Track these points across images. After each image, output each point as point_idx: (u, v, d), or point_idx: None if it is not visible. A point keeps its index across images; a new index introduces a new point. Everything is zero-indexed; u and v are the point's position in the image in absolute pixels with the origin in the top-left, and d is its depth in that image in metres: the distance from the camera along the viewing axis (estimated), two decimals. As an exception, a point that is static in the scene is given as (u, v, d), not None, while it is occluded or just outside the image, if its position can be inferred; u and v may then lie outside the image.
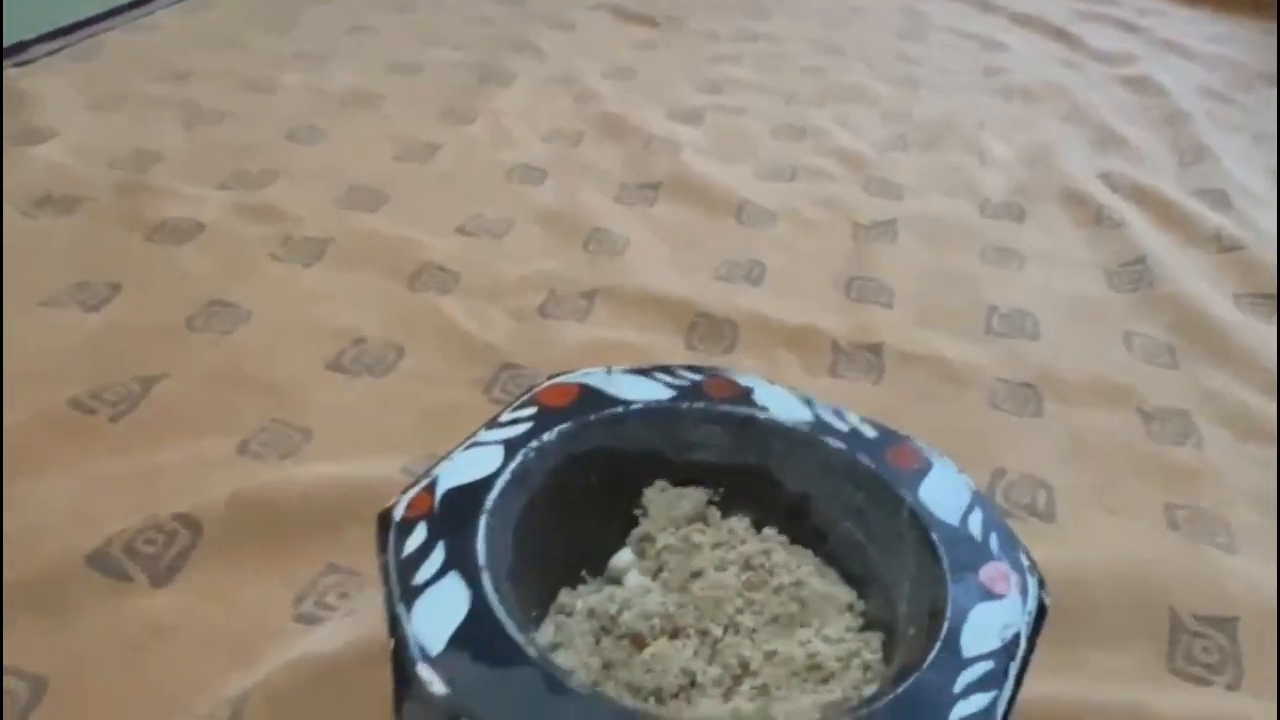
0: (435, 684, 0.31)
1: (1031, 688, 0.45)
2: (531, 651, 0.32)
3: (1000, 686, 0.33)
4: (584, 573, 0.42)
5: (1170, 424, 0.64)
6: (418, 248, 0.74)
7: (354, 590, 0.48)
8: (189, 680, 0.43)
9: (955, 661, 0.34)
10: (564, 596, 0.41)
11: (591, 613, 0.39)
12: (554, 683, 0.31)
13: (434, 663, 0.32)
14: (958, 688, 0.33)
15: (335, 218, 0.77)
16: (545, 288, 0.71)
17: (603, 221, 0.80)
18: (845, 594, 0.40)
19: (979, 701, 0.32)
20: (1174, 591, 0.51)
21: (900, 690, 0.32)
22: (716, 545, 0.41)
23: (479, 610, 0.33)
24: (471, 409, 0.58)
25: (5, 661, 0.42)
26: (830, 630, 0.38)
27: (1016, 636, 0.35)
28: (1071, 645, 0.49)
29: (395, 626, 0.33)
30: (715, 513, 0.43)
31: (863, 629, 0.39)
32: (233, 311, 0.66)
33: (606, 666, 0.37)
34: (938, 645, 0.34)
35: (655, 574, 0.41)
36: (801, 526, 0.43)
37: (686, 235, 0.79)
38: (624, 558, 0.42)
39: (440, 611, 0.33)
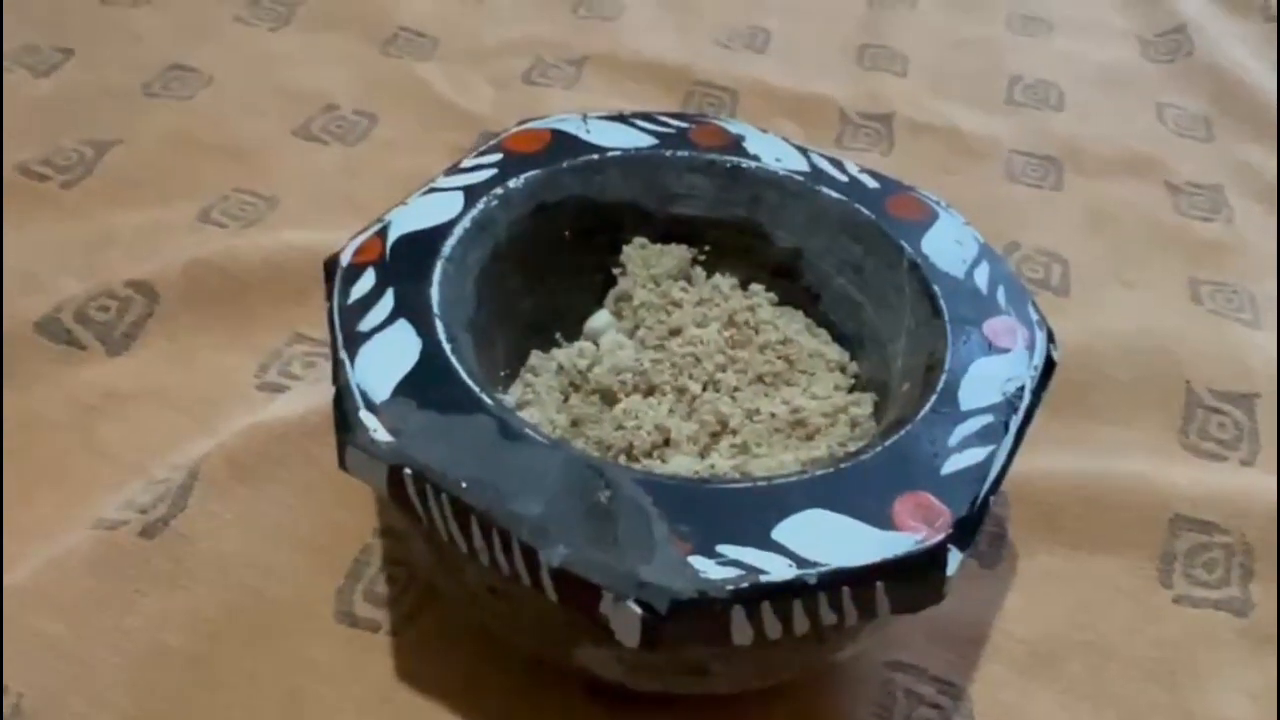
0: (378, 431, 0.28)
1: (1035, 460, 0.43)
2: (486, 399, 0.29)
3: (999, 441, 0.30)
4: (559, 335, 0.39)
5: (1200, 198, 0.60)
6: (392, 10, 0.68)
7: (321, 360, 0.45)
8: (146, 445, 0.41)
9: (952, 414, 0.31)
10: (535, 358, 0.38)
11: (560, 369, 0.36)
12: (510, 430, 0.29)
13: (378, 410, 0.29)
14: (953, 440, 0.30)
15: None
16: (531, 53, 0.66)
17: (594, -16, 0.73)
18: (837, 353, 0.37)
19: (975, 455, 0.29)
20: (1192, 366, 0.48)
21: (889, 442, 0.29)
22: (699, 303, 0.38)
23: (430, 358, 0.30)
24: (448, 176, 0.54)
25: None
26: (818, 389, 0.35)
27: (1020, 390, 0.32)
28: (1079, 419, 0.46)
29: (338, 374, 0.30)
30: (700, 272, 0.40)
31: (853, 390, 0.37)
32: (193, 76, 0.61)
33: (575, 424, 0.34)
34: (933, 398, 0.31)
35: (632, 333, 0.38)
36: (792, 286, 0.39)
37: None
38: (601, 318, 0.39)
39: (387, 359, 0.30)
